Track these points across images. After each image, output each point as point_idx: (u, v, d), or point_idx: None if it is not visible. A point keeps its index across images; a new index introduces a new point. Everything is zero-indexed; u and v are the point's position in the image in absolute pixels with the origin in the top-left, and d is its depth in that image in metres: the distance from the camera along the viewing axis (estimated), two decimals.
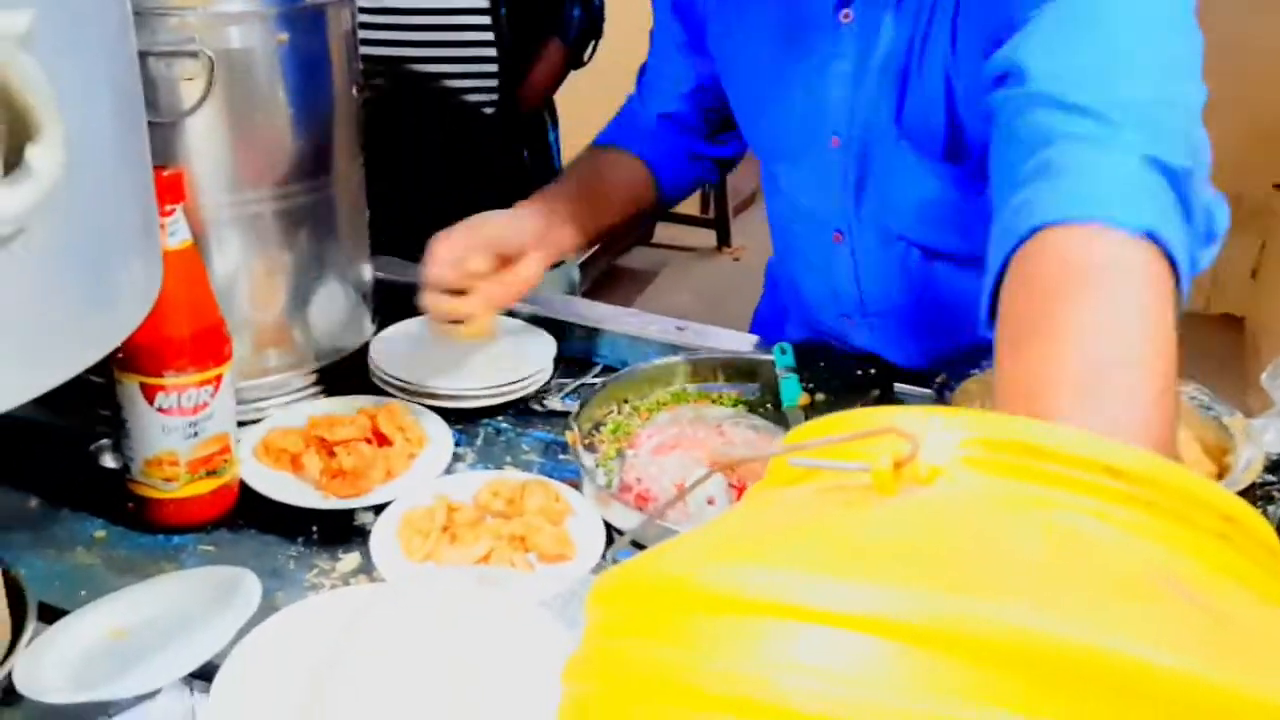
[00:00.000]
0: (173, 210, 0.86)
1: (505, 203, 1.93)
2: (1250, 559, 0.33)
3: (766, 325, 1.39)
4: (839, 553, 0.31)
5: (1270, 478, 0.90)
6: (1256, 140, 3.36)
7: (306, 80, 1.00)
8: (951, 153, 0.99)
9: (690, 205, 4.29)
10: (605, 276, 3.55)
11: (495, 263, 1.07)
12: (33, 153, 0.53)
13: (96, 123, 0.58)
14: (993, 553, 0.30)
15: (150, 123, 0.66)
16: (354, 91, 1.08)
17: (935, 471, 0.34)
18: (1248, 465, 0.88)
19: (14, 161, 0.53)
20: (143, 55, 0.86)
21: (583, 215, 1.17)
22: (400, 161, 1.81)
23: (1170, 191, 0.65)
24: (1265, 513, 0.87)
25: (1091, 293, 0.57)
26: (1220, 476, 0.91)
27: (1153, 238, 0.60)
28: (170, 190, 0.85)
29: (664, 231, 4.29)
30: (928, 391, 1.04)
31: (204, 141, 0.96)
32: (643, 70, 1.30)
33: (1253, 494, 0.89)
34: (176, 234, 0.86)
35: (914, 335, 1.16)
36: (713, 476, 0.79)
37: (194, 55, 0.91)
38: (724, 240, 4.34)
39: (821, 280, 1.19)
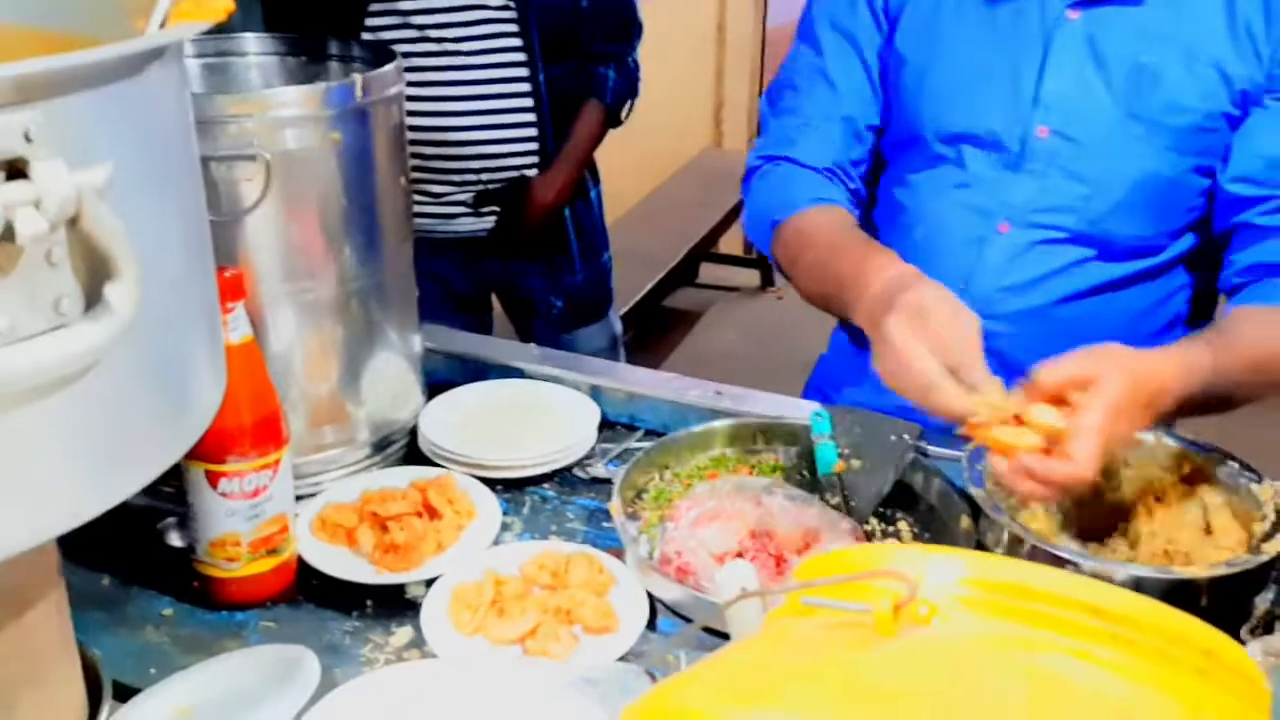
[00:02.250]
0: (234, 308, 0.91)
1: (551, 263, 1.99)
2: (1228, 691, 0.36)
3: (829, 379, 1.41)
4: (842, 697, 0.34)
5: None
6: None
7: (358, 175, 1.06)
8: (1181, 145, 1.08)
9: (733, 245, 4.33)
10: (652, 317, 3.59)
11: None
12: (111, 291, 0.58)
13: (168, 255, 0.63)
14: (979, 698, 0.33)
15: (211, 221, 0.71)
16: (402, 180, 1.14)
17: (933, 611, 0.37)
18: (1275, 533, 0.89)
19: (94, 299, 0.58)
20: (204, 160, 0.93)
21: None
22: (454, 227, 1.88)
23: None
24: None
25: None
26: (1248, 544, 0.92)
27: None
28: (232, 289, 0.90)
29: (708, 271, 4.33)
30: (958, 454, 1.06)
31: (262, 237, 1.02)
32: (788, 122, 1.25)
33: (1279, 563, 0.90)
34: (237, 329, 0.92)
35: (1036, 342, 1.16)
36: (745, 567, 0.82)
37: (252, 158, 0.97)
38: (768, 280, 4.37)
39: (956, 274, 1.17)
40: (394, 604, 0.99)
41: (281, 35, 1.20)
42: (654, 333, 3.80)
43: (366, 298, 1.13)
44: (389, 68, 1.08)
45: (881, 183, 1.30)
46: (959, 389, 0.88)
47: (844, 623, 0.38)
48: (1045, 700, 0.33)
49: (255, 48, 1.20)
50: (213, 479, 0.93)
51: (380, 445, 1.19)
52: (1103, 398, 0.83)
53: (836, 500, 1.09)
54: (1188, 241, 1.17)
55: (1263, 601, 0.92)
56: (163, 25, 0.63)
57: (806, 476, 1.14)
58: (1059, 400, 0.86)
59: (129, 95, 0.57)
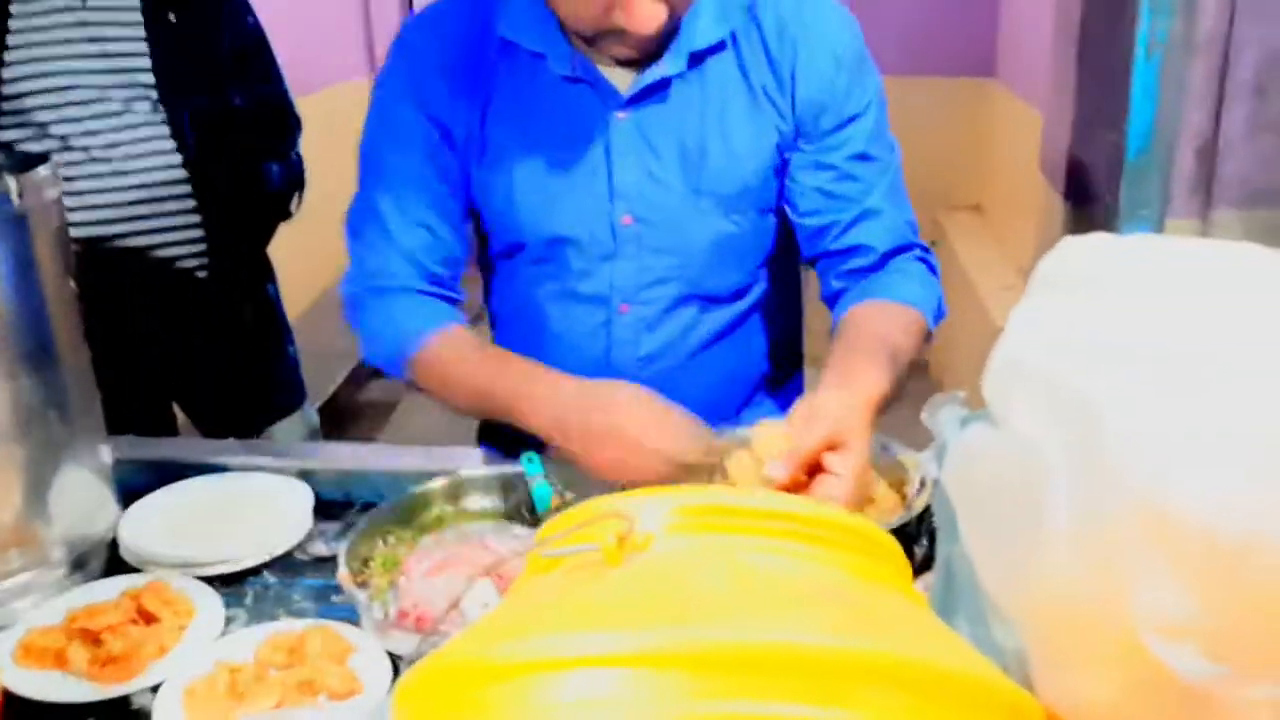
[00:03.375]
0: None
1: (235, 363, 1.94)
2: (873, 558, 0.46)
3: (499, 434, 1.47)
4: (585, 614, 0.41)
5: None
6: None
7: (21, 283, 1.02)
8: (739, 205, 1.23)
9: None
10: (346, 412, 3.53)
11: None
12: None
13: None
14: (694, 592, 0.41)
15: None
16: (71, 284, 1.10)
17: (649, 539, 0.45)
18: (920, 492, 1.06)
19: None
20: None
21: None
22: (123, 338, 1.79)
23: None
24: (931, 526, 1.05)
25: None
26: (902, 503, 1.08)
27: None
28: None
29: None
30: None
31: None
32: (378, 248, 1.26)
33: (927, 514, 1.07)
34: None
35: (686, 388, 1.25)
36: (484, 585, 0.87)
37: None
38: None
39: (597, 357, 1.29)
40: (122, 718, 0.94)
41: None
42: (352, 428, 3.73)
43: (45, 410, 1.08)
44: (43, 170, 1.05)
45: (494, 286, 1.37)
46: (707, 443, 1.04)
47: (579, 565, 0.45)
48: (743, 583, 0.41)
49: None
50: None
51: (78, 563, 1.13)
52: (852, 464, 0.96)
53: None
54: (770, 272, 1.33)
55: (920, 549, 1.08)
56: None
57: (528, 517, 1.20)
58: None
59: None
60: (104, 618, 1.02)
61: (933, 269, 1.28)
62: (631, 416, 1.05)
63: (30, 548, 1.09)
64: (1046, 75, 2.44)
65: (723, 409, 1.31)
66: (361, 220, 1.27)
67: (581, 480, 1.21)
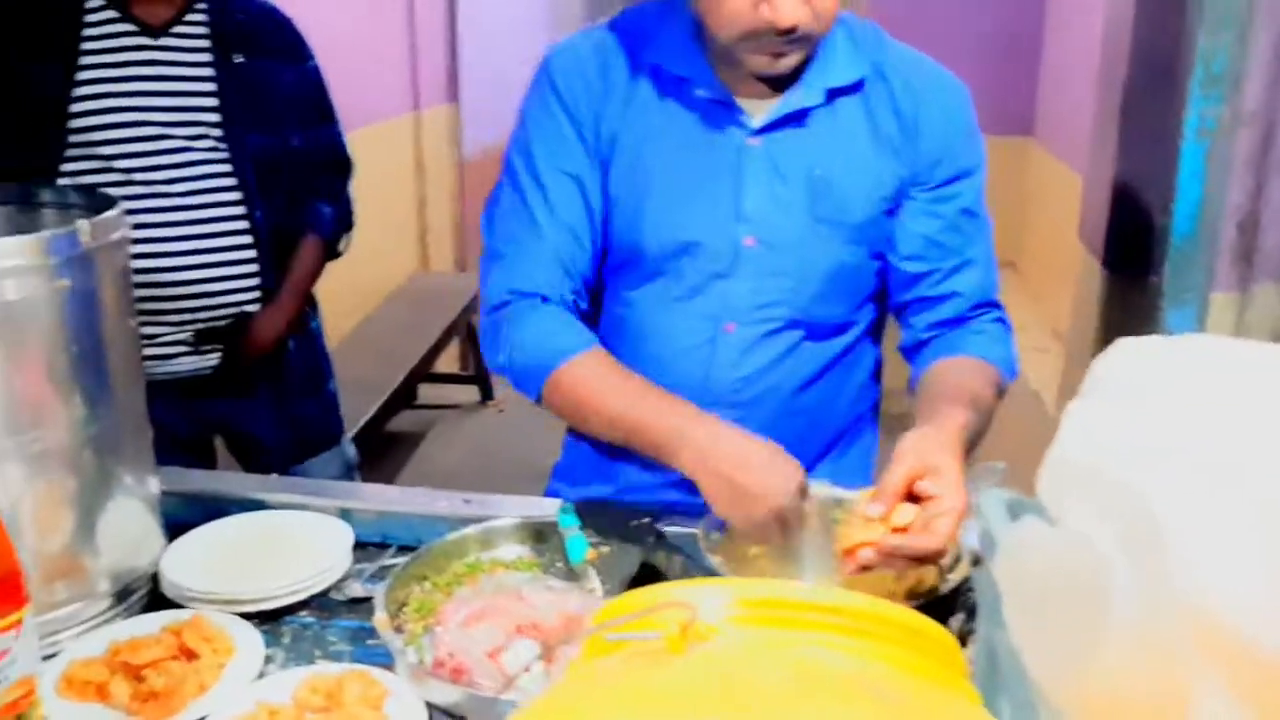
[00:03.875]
0: None
1: (277, 397, 1.97)
2: (931, 658, 0.47)
3: (572, 473, 1.49)
4: (650, 703, 0.42)
5: (975, 570, 1.09)
6: None
7: (85, 321, 1.05)
8: (857, 237, 1.29)
9: (450, 362, 4.39)
10: (374, 443, 3.56)
11: None
12: None
13: None
14: (757, 687, 0.42)
15: None
16: (131, 322, 1.13)
17: (711, 630, 0.46)
18: (957, 564, 1.07)
19: None
20: None
21: None
22: (170, 369, 1.83)
23: None
24: (971, 601, 1.06)
25: None
26: (940, 575, 1.09)
27: None
28: None
29: (427, 391, 4.35)
30: (693, 530, 1.18)
31: None
32: (526, 254, 1.30)
33: (964, 587, 1.07)
34: None
35: (778, 418, 1.33)
36: (526, 643, 0.88)
37: None
38: (487, 395, 4.45)
39: (695, 374, 1.33)
40: None
41: None
42: (378, 458, 3.76)
43: (99, 444, 1.10)
44: (113, 212, 1.08)
45: (601, 299, 1.41)
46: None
47: (640, 651, 0.46)
48: (808, 680, 0.42)
49: None
50: None
51: (121, 595, 1.15)
52: (951, 480, 1.04)
53: (592, 586, 1.17)
54: (869, 314, 1.39)
55: (956, 622, 1.08)
56: None
57: (561, 568, 1.21)
58: (910, 496, 1.05)
59: None
60: (146, 652, 1.04)
61: (1009, 329, 1.36)
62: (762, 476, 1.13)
63: (77, 579, 1.11)
64: (1086, 138, 2.45)
65: (807, 446, 1.35)
66: (510, 218, 1.31)
67: (616, 535, 1.22)
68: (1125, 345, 0.59)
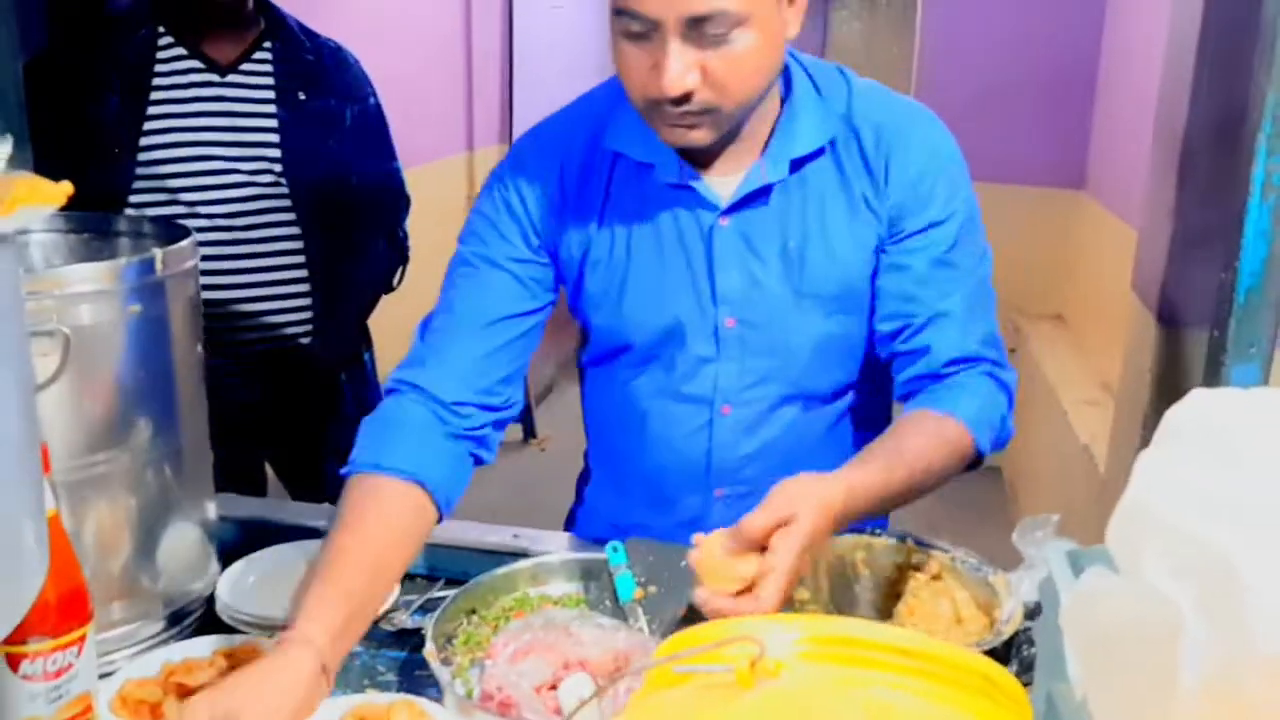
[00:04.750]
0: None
1: (329, 428, 1.99)
2: (1000, 704, 0.46)
3: (591, 522, 1.49)
4: None
5: (1029, 623, 1.08)
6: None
7: (155, 347, 1.08)
8: (840, 305, 1.25)
9: None
10: None
11: None
12: None
13: (7, 427, 0.65)
14: None
15: None
16: (198, 349, 1.16)
17: (780, 665, 0.46)
18: (1010, 617, 1.05)
19: None
20: None
21: (356, 627, 1.07)
22: (226, 397, 1.86)
23: None
24: (1024, 653, 1.04)
25: None
26: (991, 628, 1.07)
27: None
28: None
29: None
30: None
31: (57, 412, 1.01)
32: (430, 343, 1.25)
33: (1017, 639, 1.06)
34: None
35: None
36: (581, 678, 0.88)
37: (50, 334, 0.97)
38: (530, 432, 4.46)
39: (698, 457, 1.30)
40: None
41: (65, 213, 1.21)
42: None
43: (162, 467, 1.13)
44: (186, 243, 1.11)
45: (593, 390, 1.40)
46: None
47: (707, 685, 0.46)
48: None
49: (38, 225, 1.20)
50: (13, 662, 0.89)
51: (176, 617, 1.17)
52: (794, 539, 0.94)
53: (640, 624, 1.16)
54: (865, 376, 1.33)
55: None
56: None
57: (609, 605, 1.21)
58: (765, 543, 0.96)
59: None
60: (200, 674, 1.05)
61: (1003, 386, 1.25)
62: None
63: (134, 600, 1.13)
64: (1143, 192, 2.43)
65: None
66: (438, 312, 1.27)
67: (665, 574, 1.22)
68: (1200, 396, 0.58)
